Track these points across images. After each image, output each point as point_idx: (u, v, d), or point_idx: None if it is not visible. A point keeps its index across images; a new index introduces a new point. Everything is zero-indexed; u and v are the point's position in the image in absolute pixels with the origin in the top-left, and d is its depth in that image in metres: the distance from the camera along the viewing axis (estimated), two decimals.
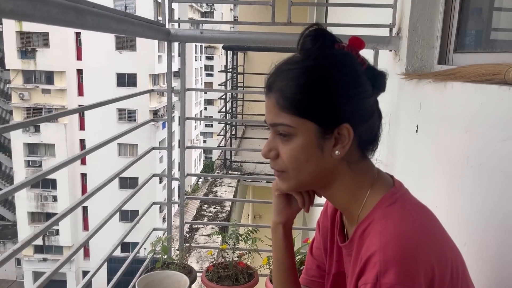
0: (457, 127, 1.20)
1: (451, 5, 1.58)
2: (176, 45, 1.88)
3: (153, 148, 1.94)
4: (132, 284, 1.80)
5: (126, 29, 1.29)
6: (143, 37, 1.53)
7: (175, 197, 2.13)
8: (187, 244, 2.08)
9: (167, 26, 1.82)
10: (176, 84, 2.07)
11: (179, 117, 1.97)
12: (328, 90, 0.80)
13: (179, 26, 1.95)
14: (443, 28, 1.60)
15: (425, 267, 0.72)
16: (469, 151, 1.14)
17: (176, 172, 2.44)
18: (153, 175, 1.99)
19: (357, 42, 0.86)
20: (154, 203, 1.99)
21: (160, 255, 1.81)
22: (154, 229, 2.01)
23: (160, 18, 1.80)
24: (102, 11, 1.08)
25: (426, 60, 1.66)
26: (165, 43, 1.81)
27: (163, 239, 1.79)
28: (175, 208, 2.45)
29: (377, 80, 0.85)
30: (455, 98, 1.24)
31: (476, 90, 1.11)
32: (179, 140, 2.00)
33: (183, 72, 1.86)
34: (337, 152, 0.82)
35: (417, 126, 1.53)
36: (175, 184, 2.02)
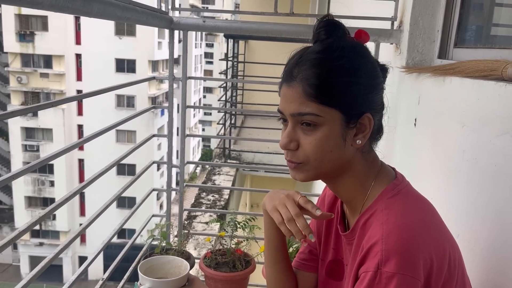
0: (454, 121, 1.23)
1: (453, 0, 1.59)
2: (177, 31, 1.88)
3: (154, 135, 1.96)
4: (130, 269, 1.83)
5: (131, 17, 1.29)
6: (146, 25, 1.54)
7: (173, 185, 2.16)
8: (186, 231, 2.10)
9: (170, 14, 1.82)
10: (176, 71, 2.08)
11: (178, 104, 1.98)
12: (354, 80, 0.81)
13: (179, 13, 1.95)
14: (444, 23, 1.61)
15: (424, 257, 0.74)
16: (465, 145, 1.16)
17: (174, 159, 2.46)
18: (153, 162, 2.01)
19: (363, 35, 0.88)
20: (154, 189, 2.01)
21: (158, 241, 1.84)
22: (153, 215, 2.04)
23: (163, 5, 1.81)
24: None
25: (427, 54, 1.67)
26: (166, 29, 1.82)
27: (162, 225, 1.81)
28: (172, 196, 2.46)
29: (384, 73, 0.88)
30: (453, 92, 1.26)
31: (474, 86, 1.13)
32: (177, 128, 2.01)
33: (184, 61, 1.87)
34: (358, 141, 0.84)
35: (415, 119, 1.55)
36: (173, 171, 2.04)
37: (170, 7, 1.81)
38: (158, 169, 23.86)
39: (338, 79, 0.81)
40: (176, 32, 1.90)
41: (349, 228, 0.94)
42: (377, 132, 0.90)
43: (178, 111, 1.97)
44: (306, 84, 0.81)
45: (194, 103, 35.53)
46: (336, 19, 0.87)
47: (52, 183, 24.80)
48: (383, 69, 0.90)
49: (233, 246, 1.82)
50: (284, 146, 0.86)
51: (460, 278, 0.82)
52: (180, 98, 1.96)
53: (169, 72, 1.89)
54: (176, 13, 1.92)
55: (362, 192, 0.88)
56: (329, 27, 0.85)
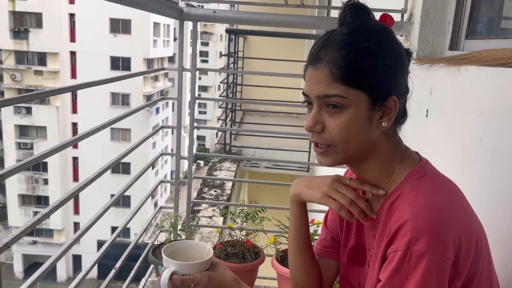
0: (471, 110, 1.23)
1: None
2: (176, 26, 1.87)
3: (163, 127, 1.95)
4: (135, 268, 1.81)
5: (147, 4, 1.30)
6: (159, 14, 1.54)
7: (168, 178, 2.14)
8: (193, 223, 2.10)
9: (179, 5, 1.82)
10: (172, 66, 2.07)
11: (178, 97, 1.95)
12: (381, 62, 0.81)
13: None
14: (455, 15, 1.62)
15: (454, 237, 0.75)
16: (482, 133, 1.17)
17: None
18: (162, 154, 2.00)
19: (388, 19, 0.88)
20: (162, 181, 2.01)
21: (167, 233, 1.83)
22: (161, 207, 2.03)
23: None
24: None
25: (437, 46, 1.68)
26: (161, 27, 1.81)
27: (172, 216, 1.81)
28: (167, 191, 2.45)
29: (408, 56, 0.88)
30: (470, 81, 1.26)
31: (493, 74, 1.13)
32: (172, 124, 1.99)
33: (194, 52, 1.87)
34: (384, 123, 0.84)
35: (427, 110, 1.56)
36: (168, 167, 2.03)
37: None
38: (153, 167, 23.79)
39: (365, 60, 0.81)
40: (173, 29, 1.89)
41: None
42: (402, 115, 0.90)
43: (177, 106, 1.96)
44: (333, 66, 0.81)
45: (189, 102, 35.38)
46: (330, 10, 0.87)
47: (46, 181, 24.61)
48: (408, 53, 0.90)
49: (243, 237, 1.82)
50: (309, 128, 0.85)
51: (486, 259, 0.83)
52: (181, 92, 1.95)
53: (178, 63, 1.88)
54: (184, 4, 1.92)
55: (387, 175, 0.88)
56: (355, 9, 0.85)
